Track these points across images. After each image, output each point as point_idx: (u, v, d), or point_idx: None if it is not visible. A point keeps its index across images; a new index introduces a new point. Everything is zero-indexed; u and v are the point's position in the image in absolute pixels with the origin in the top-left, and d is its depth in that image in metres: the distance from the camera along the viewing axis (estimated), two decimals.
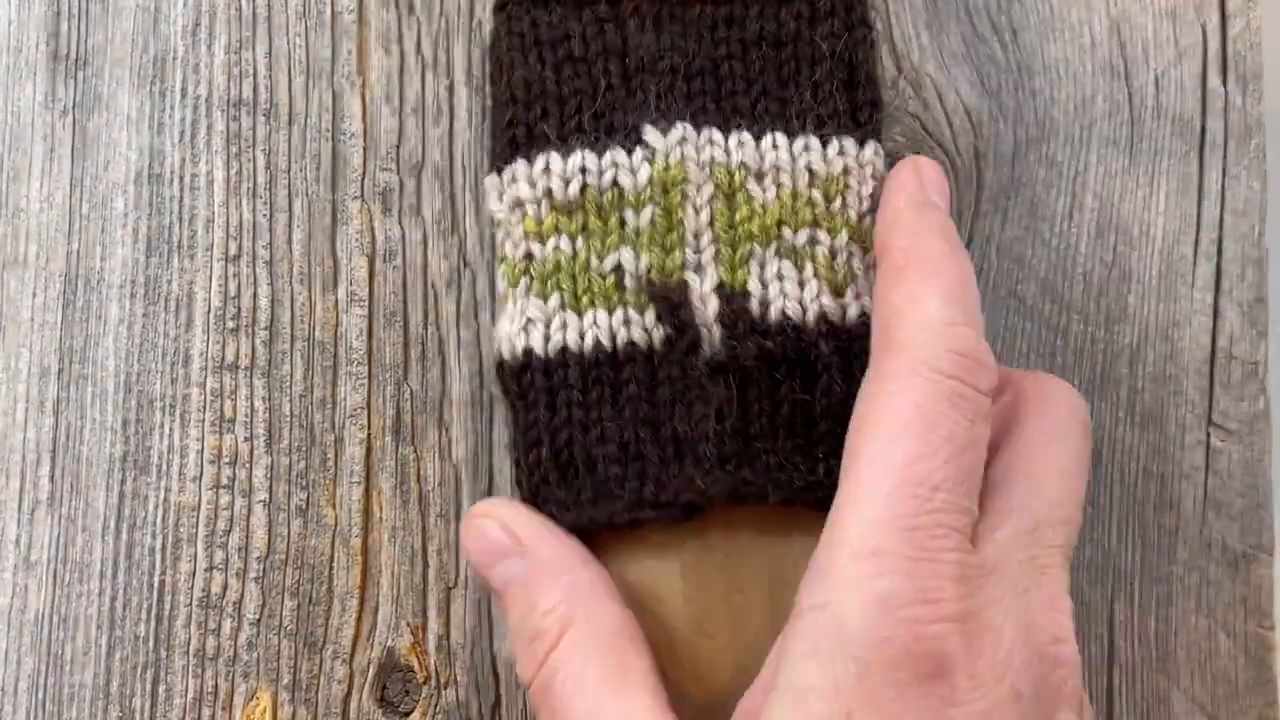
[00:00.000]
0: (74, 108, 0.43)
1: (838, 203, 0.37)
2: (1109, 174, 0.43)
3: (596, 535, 0.37)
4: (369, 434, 0.42)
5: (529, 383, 0.37)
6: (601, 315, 0.37)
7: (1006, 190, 0.43)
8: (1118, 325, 0.43)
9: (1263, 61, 0.44)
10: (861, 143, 0.38)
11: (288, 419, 0.42)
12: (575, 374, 0.37)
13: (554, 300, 0.37)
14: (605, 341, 0.37)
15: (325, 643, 0.41)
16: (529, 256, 0.37)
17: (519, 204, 0.37)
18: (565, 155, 0.37)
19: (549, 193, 0.37)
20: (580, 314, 0.37)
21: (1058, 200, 0.43)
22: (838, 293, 0.37)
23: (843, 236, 0.37)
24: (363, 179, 0.42)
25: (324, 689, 0.41)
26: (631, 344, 0.37)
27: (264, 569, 0.41)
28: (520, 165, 0.37)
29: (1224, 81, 0.43)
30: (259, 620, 0.41)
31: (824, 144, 0.37)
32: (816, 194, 0.37)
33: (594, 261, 0.37)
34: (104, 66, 0.43)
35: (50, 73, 0.43)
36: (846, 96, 0.38)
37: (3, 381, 0.42)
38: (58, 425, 0.42)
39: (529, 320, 0.37)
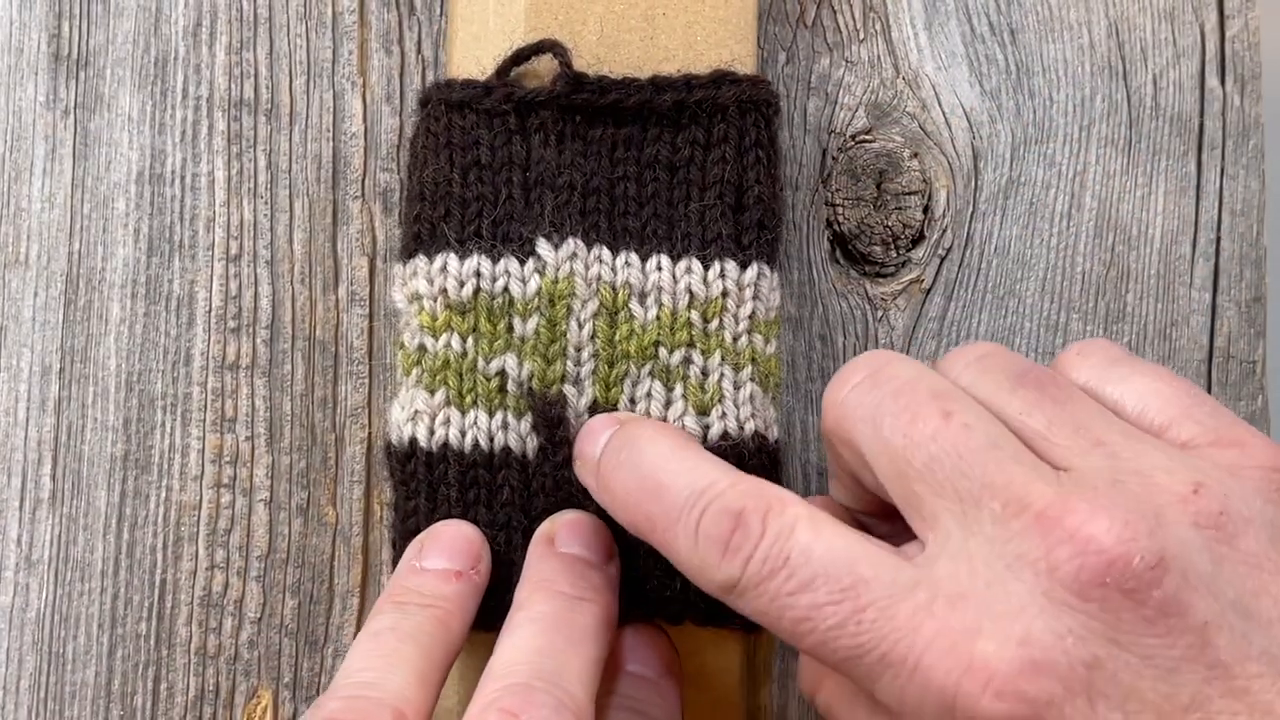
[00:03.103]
0: (75, 108, 0.43)
1: (715, 323, 0.38)
2: (1107, 174, 0.43)
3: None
4: (370, 433, 0.42)
5: (411, 472, 0.38)
6: (482, 416, 0.38)
7: (1005, 190, 0.43)
8: (1116, 324, 0.43)
9: (1261, 61, 0.44)
10: (744, 265, 0.39)
11: (288, 418, 0.42)
12: (455, 472, 0.38)
13: (440, 395, 0.38)
14: (484, 443, 0.38)
15: (326, 641, 0.42)
16: (422, 349, 0.38)
17: (417, 298, 0.38)
18: (463, 258, 0.38)
19: (444, 291, 0.38)
20: (463, 412, 0.38)
21: (1057, 200, 0.43)
22: (703, 412, 0.38)
23: (716, 357, 0.38)
24: (363, 179, 0.43)
25: (325, 687, 0.41)
26: (507, 449, 0.38)
27: (265, 567, 0.41)
28: (421, 261, 0.39)
29: (1222, 82, 0.43)
30: (260, 619, 0.41)
31: (705, 267, 0.39)
32: (695, 315, 0.38)
33: (480, 363, 0.38)
34: (105, 67, 0.43)
35: (52, 73, 0.43)
36: (733, 220, 0.39)
37: (4, 381, 0.42)
38: (59, 424, 0.42)
39: (416, 411, 0.38)
